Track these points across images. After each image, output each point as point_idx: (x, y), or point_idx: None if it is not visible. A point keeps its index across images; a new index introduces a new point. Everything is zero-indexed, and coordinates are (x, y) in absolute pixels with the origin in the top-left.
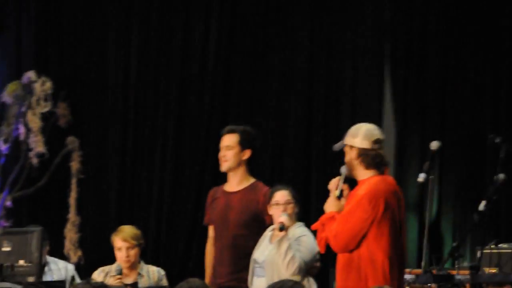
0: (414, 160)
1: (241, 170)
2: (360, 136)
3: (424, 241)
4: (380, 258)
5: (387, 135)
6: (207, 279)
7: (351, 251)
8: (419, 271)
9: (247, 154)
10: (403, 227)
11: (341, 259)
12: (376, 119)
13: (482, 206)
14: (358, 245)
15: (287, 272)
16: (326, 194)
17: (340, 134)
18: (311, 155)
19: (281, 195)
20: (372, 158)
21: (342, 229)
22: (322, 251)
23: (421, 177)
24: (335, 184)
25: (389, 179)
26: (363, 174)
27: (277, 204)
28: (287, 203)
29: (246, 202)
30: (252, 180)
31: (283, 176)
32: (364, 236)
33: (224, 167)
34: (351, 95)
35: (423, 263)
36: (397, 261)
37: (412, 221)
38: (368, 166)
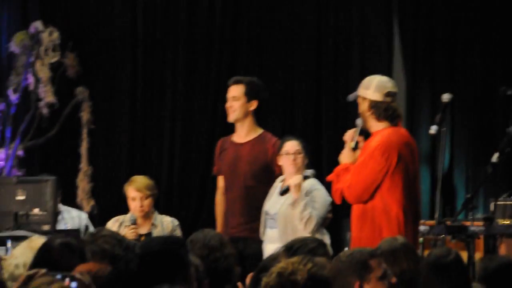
0: (426, 113)
1: (249, 121)
2: (372, 88)
3: (437, 192)
4: (394, 209)
5: (398, 87)
6: (219, 229)
7: (365, 202)
8: (432, 222)
9: (253, 104)
10: (417, 179)
11: (355, 210)
12: (386, 72)
13: (495, 158)
14: (372, 196)
15: (305, 231)
16: (336, 146)
17: (350, 86)
18: (321, 107)
19: (291, 145)
20: (384, 110)
21: (356, 180)
22: (338, 202)
23: (433, 129)
24: (350, 136)
25: (402, 130)
26: (376, 126)
27: (287, 154)
28: (297, 153)
29: (255, 153)
30: (260, 131)
31: (294, 129)
32: (378, 187)
33: (231, 117)
34: (360, 47)
35: (436, 215)
36: (411, 212)
37: (424, 173)
38: (379, 118)
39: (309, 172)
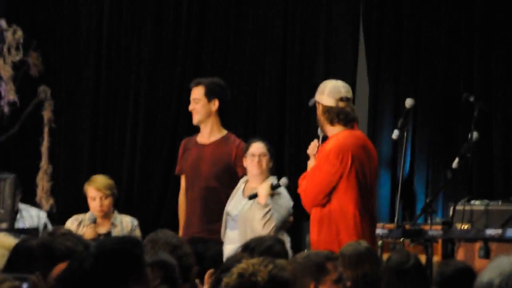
0: (388, 117)
1: (212, 121)
2: (325, 93)
3: (397, 196)
4: (351, 210)
5: (361, 92)
6: (181, 230)
7: (323, 205)
8: (392, 226)
9: (215, 104)
10: (373, 182)
11: (314, 213)
12: (350, 76)
13: (455, 163)
14: (329, 199)
15: (263, 231)
16: (298, 149)
17: (314, 90)
18: (285, 111)
19: (257, 147)
20: (336, 114)
21: (311, 184)
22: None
23: (395, 134)
24: (314, 147)
25: (358, 133)
26: (331, 130)
27: (252, 155)
28: (262, 155)
29: (218, 154)
30: (224, 132)
31: (257, 132)
32: (334, 190)
33: (194, 120)
34: (326, 51)
35: (396, 218)
36: (368, 213)
37: (385, 177)
38: (333, 122)
39: (282, 181)
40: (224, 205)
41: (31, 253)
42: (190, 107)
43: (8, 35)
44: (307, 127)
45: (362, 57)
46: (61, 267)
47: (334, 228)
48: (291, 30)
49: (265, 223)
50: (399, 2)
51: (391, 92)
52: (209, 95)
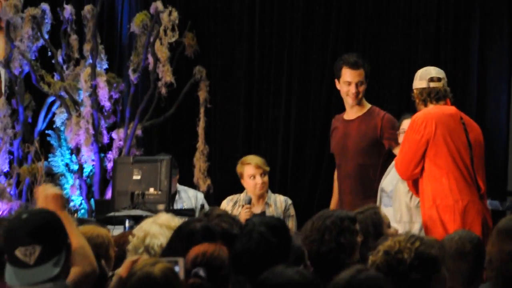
0: None
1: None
2: (417, 78)
3: None
4: (443, 175)
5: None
6: (332, 205)
7: (419, 175)
8: None
9: (366, 84)
10: (476, 153)
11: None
12: (507, 46)
13: None
14: (422, 168)
15: (411, 204)
16: None
17: (470, 62)
18: None
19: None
20: (428, 94)
21: (401, 155)
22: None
23: None
24: None
25: (447, 107)
26: None
27: (404, 132)
28: None
29: (364, 129)
30: (368, 106)
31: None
32: (424, 158)
33: (355, 102)
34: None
35: None
36: (464, 179)
37: None
38: (426, 104)
39: None
40: (374, 181)
41: (193, 235)
42: (352, 90)
43: (164, 17)
44: (462, 100)
45: None
46: (197, 249)
47: (429, 195)
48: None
49: (411, 196)
50: None
51: None
52: (367, 78)
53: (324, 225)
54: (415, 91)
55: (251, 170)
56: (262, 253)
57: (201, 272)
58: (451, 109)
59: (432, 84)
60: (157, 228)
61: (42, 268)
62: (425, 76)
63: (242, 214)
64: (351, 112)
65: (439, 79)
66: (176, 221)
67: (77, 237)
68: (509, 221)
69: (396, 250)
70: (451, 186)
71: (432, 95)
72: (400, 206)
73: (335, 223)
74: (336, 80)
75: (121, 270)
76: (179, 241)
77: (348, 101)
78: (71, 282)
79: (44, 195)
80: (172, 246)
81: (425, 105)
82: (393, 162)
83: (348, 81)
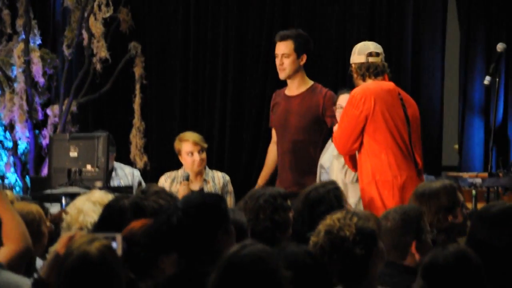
0: (480, 63)
1: (300, 75)
2: (356, 52)
3: (490, 144)
4: (382, 151)
5: (452, 38)
6: (260, 178)
7: (357, 150)
8: (485, 174)
9: (303, 59)
10: (413, 129)
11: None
12: (440, 23)
13: None
14: (361, 143)
15: (346, 180)
16: None
17: (404, 39)
18: None
19: (346, 99)
20: (366, 68)
21: (339, 130)
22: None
23: (487, 79)
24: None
25: (384, 82)
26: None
27: (341, 108)
28: None
29: (306, 106)
30: (310, 83)
31: (347, 83)
32: (363, 133)
33: (282, 75)
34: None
35: (489, 167)
36: (403, 155)
37: (478, 125)
38: (364, 78)
39: None
40: (314, 158)
41: (123, 212)
42: (278, 62)
43: None
44: (397, 76)
45: (453, 2)
46: (136, 224)
47: (369, 170)
48: None
49: (345, 172)
50: None
51: (482, 37)
52: (299, 50)
53: (257, 204)
54: (353, 65)
55: (188, 147)
56: (183, 227)
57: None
58: (389, 84)
59: (371, 59)
60: (91, 205)
61: None
62: (364, 51)
63: (180, 190)
64: (293, 88)
65: (377, 54)
66: (110, 198)
67: (10, 212)
68: (420, 186)
69: (337, 228)
70: (390, 162)
71: (370, 70)
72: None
73: (268, 201)
74: None
75: (58, 246)
76: (109, 218)
77: (279, 74)
78: (5, 260)
79: None
80: (102, 224)
81: (364, 80)
82: (330, 140)
83: (276, 53)
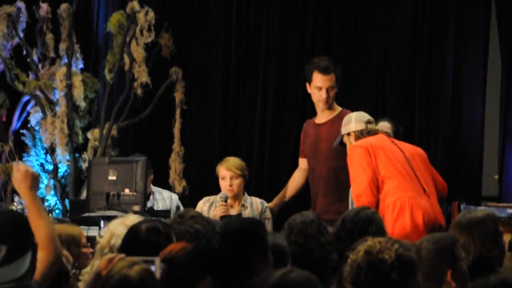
0: None
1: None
2: (353, 121)
3: None
4: (384, 181)
5: (494, 67)
6: (274, 201)
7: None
8: None
9: (337, 88)
10: (414, 160)
11: None
12: (482, 51)
13: None
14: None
15: None
16: (427, 128)
17: (445, 67)
18: (415, 95)
19: (382, 127)
20: (367, 133)
21: (357, 184)
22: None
23: None
24: None
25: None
26: None
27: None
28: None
29: (335, 131)
30: (339, 109)
31: (386, 112)
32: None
33: (326, 107)
34: (456, 27)
35: None
36: (404, 179)
37: None
38: None
39: None
40: (347, 184)
41: (138, 237)
42: (323, 95)
43: (140, 17)
44: (436, 104)
45: (494, 30)
46: (173, 247)
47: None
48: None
49: None
50: None
51: None
52: (338, 82)
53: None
54: (353, 133)
55: (222, 172)
56: (222, 252)
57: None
58: (381, 136)
59: (369, 126)
60: (124, 229)
61: (7, 268)
62: (361, 119)
63: (217, 211)
64: (322, 116)
65: (371, 121)
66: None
67: (45, 220)
68: (461, 216)
69: (377, 250)
70: (394, 187)
71: (371, 133)
72: None
73: (313, 226)
74: (307, 84)
75: (100, 266)
76: (127, 242)
77: (319, 105)
78: (38, 273)
79: (17, 171)
80: (123, 247)
81: None
82: None
83: (318, 86)
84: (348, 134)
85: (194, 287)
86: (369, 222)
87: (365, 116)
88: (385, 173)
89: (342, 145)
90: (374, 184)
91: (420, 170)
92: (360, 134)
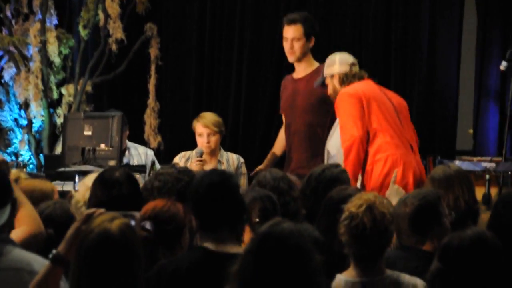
0: (496, 49)
1: (307, 58)
2: (337, 63)
3: (505, 129)
4: (376, 135)
5: (469, 23)
6: (264, 162)
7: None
8: (499, 159)
9: (312, 42)
10: (401, 112)
11: None
12: (457, 8)
13: None
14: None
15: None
16: (403, 84)
17: (420, 24)
18: (390, 52)
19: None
20: (352, 77)
21: (344, 124)
22: None
23: (503, 65)
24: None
25: (365, 81)
26: None
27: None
28: None
29: (312, 86)
30: (316, 64)
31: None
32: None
33: (292, 58)
34: None
35: (504, 151)
36: (396, 135)
37: (493, 109)
38: (350, 85)
39: None
40: (322, 139)
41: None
42: (288, 46)
43: None
44: (412, 64)
45: None
46: (149, 204)
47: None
48: None
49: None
50: None
51: (499, 22)
52: (307, 34)
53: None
54: (337, 75)
55: (199, 128)
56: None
57: (148, 226)
58: (370, 83)
59: (354, 68)
60: None
61: None
62: (346, 61)
63: (193, 166)
64: (300, 71)
65: (355, 64)
66: None
67: (24, 200)
68: (436, 172)
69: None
70: (385, 142)
71: (356, 77)
72: None
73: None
74: None
75: (77, 223)
76: (100, 189)
77: (288, 58)
78: (19, 240)
79: None
80: (93, 194)
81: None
82: (337, 122)
83: (285, 36)
84: (332, 76)
85: (180, 241)
86: (334, 181)
87: (350, 57)
88: (377, 126)
89: (324, 86)
90: (365, 139)
91: (406, 124)
92: (345, 77)
